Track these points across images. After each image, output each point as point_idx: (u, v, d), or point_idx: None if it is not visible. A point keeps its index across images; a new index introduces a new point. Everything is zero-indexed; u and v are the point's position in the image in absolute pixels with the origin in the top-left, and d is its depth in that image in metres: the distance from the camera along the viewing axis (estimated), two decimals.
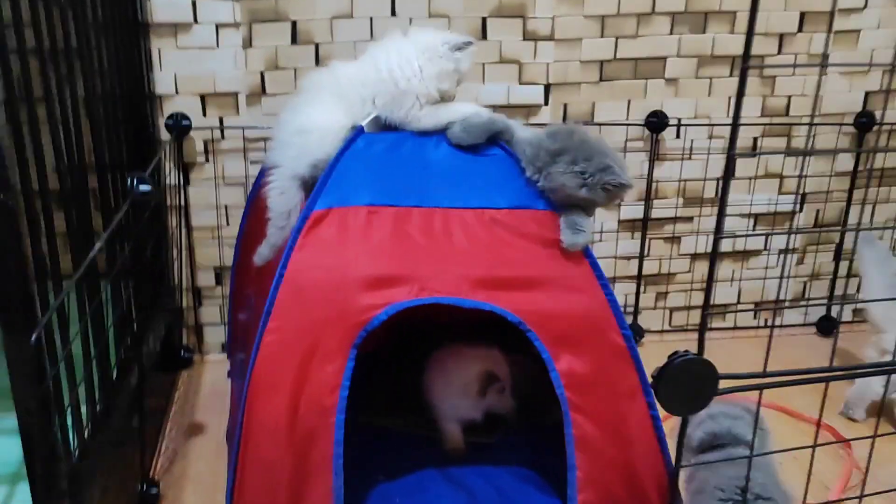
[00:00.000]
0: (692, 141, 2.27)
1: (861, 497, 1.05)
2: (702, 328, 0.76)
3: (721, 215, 0.73)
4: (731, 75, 2.23)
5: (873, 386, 1.90)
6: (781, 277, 2.42)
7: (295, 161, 1.49)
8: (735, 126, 0.73)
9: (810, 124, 2.27)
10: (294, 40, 2.05)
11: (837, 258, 2.45)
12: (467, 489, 1.67)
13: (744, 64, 0.68)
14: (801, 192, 2.37)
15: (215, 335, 2.27)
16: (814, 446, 0.93)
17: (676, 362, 0.74)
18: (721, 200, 0.70)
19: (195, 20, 2.00)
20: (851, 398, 1.96)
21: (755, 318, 2.49)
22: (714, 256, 0.75)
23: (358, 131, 1.48)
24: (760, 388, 0.79)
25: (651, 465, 1.51)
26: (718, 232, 0.69)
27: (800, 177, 2.35)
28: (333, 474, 1.37)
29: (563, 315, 1.45)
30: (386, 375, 1.89)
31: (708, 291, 0.76)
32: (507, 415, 1.85)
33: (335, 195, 1.42)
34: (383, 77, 1.52)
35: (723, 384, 0.77)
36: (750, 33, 0.74)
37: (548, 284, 1.45)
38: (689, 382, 0.75)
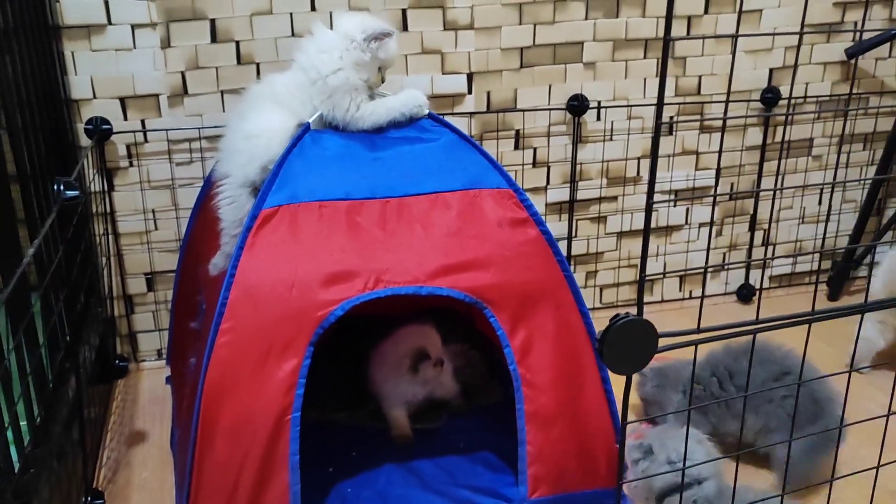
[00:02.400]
0: (612, 122, 2.35)
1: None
2: (640, 291, 0.80)
3: (651, 183, 0.77)
4: (645, 57, 2.31)
5: (873, 339, 2.09)
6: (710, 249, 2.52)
7: (244, 168, 1.49)
8: (660, 106, 0.77)
9: (726, 101, 2.38)
10: (213, 39, 2.03)
11: (752, 228, 2.57)
12: (418, 474, 1.70)
13: (663, 56, 0.73)
14: (718, 167, 2.48)
15: (149, 342, 2.22)
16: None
17: (618, 324, 0.78)
18: (651, 169, 0.74)
19: (109, 21, 1.95)
20: (858, 354, 2.11)
21: (681, 290, 2.59)
22: (647, 226, 0.79)
23: (304, 128, 1.49)
24: (696, 343, 0.84)
25: (603, 438, 1.57)
26: (650, 197, 0.74)
27: (718, 153, 2.45)
28: (290, 472, 1.38)
29: (518, 292, 1.48)
30: (332, 369, 1.90)
31: (644, 254, 0.81)
32: (450, 399, 1.89)
33: (284, 192, 1.42)
34: (312, 77, 1.53)
35: (661, 343, 0.81)
36: (669, 18, 0.78)
37: (503, 263, 1.48)
38: (631, 342, 0.79)
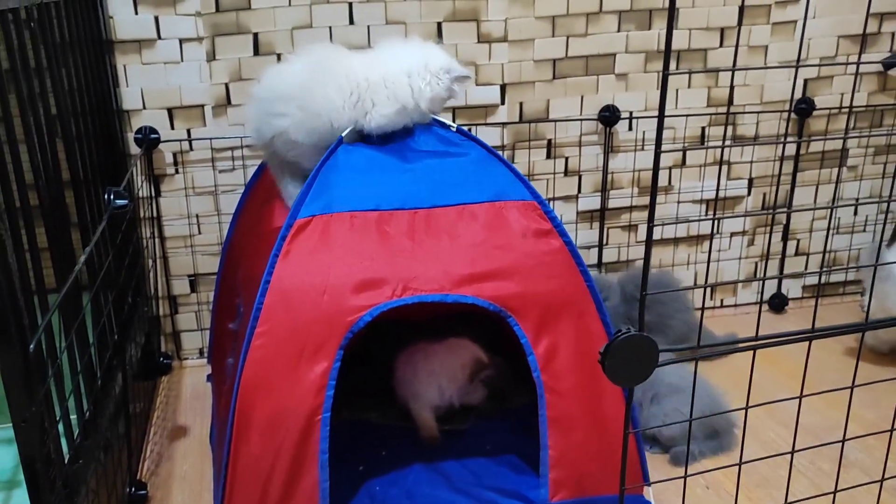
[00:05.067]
0: (644, 132, 2.38)
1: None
2: (641, 308, 0.85)
3: (652, 203, 0.82)
4: (677, 69, 2.34)
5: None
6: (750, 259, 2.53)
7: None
8: (661, 118, 0.82)
9: (757, 112, 2.39)
10: (256, 51, 2.11)
11: (785, 238, 2.57)
12: (444, 474, 1.76)
13: (664, 71, 0.77)
14: (749, 177, 2.49)
15: (192, 341, 2.33)
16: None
17: (619, 339, 0.83)
18: (652, 189, 0.79)
19: (159, 36, 2.05)
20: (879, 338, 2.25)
21: (712, 298, 2.61)
22: (649, 240, 0.84)
23: (338, 142, 1.56)
24: (696, 359, 0.88)
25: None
26: (651, 220, 0.79)
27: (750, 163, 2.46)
28: (319, 469, 1.45)
29: (542, 301, 1.53)
30: (362, 371, 1.97)
31: (645, 271, 0.86)
32: (478, 404, 1.94)
33: (318, 203, 1.49)
34: (377, 80, 1.57)
35: (663, 357, 0.86)
36: (668, 45, 0.83)
37: (527, 273, 1.53)
38: (632, 356, 0.84)
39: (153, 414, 2.09)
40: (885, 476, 1.13)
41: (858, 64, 2.43)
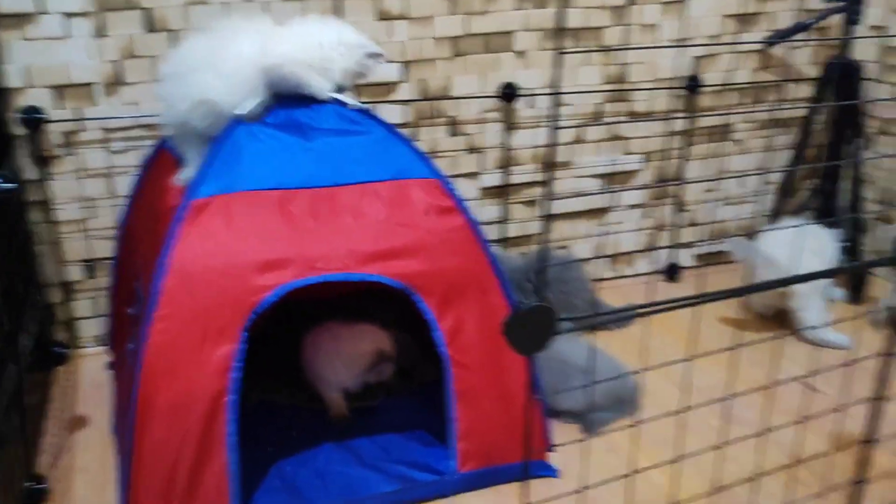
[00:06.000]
0: (543, 109, 2.43)
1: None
2: (541, 279, 0.88)
3: (550, 178, 0.85)
4: (574, 47, 2.40)
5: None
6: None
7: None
8: (556, 93, 0.85)
9: (649, 89, 2.48)
10: (149, 28, 2.04)
11: (678, 210, 2.69)
12: (355, 451, 1.78)
13: (557, 47, 0.80)
14: (644, 152, 2.58)
15: (89, 329, 2.25)
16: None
17: (522, 309, 0.86)
18: (550, 162, 0.82)
19: (42, 10, 1.95)
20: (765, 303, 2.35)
21: (613, 269, 2.70)
22: (548, 214, 0.87)
23: (236, 120, 1.53)
24: (593, 325, 0.93)
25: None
26: (550, 189, 0.81)
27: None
28: (228, 452, 1.44)
29: (446, 278, 1.57)
30: (270, 352, 1.95)
31: (545, 245, 0.89)
32: (386, 381, 1.96)
33: (217, 183, 1.47)
34: (291, 48, 1.57)
35: (563, 325, 0.90)
36: (562, 23, 0.85)
37: (431, 250, 1.56)
38: (534, 325, 0.87)
39: (49, 405, 2.01)
40: (768, 428, 1.22)
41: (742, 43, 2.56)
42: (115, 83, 2.06)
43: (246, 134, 1.52)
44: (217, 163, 1.47)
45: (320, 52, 1.58)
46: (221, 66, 1.56)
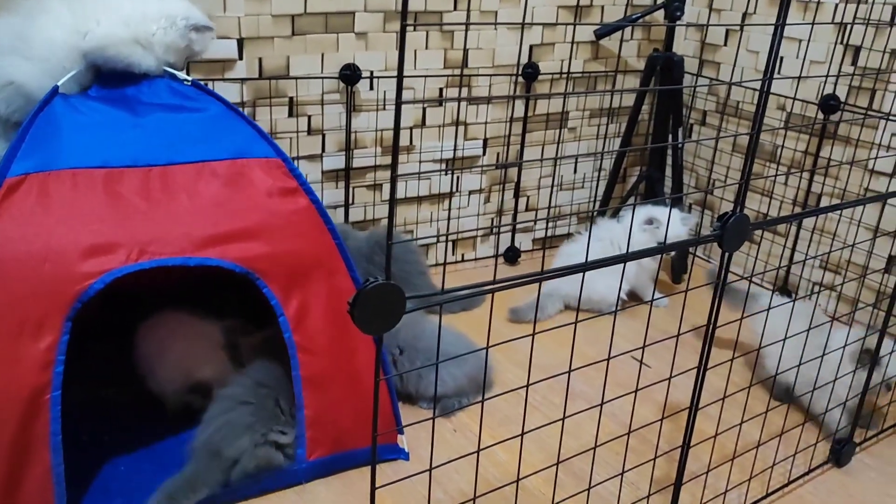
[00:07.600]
0: (385, 92, 2.41)
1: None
2: (388, 257, 0.87)
3: (395, 159, 0.83)
4: (415, 30, 2.39)
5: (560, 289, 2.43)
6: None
7: None
8: (399, 78, 0.83)
9: (489, 75, 2.52)
10: None
11: (517, 195, 2.77)
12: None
13: (402, 22, 0.78)
14: (484, 137, 2.63)
15: None
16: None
17: (368, 288, 0.84)
18: (394, 145, 0.80)
19: None
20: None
21: (454, 254, 2.74)
22: (393, 193, 0.85)
23: (53, 91, 1.40)
24: (441, 303, 0.92)
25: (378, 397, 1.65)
26: (394, 171, 0.80)
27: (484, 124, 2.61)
28: (52, 453, 1.33)
29: (290, 261, 1.51)
30: (99, 345, 1.82)
31: (391, 224, 0.87)
32: (223, 374, 1.88)
33: (32, 160, 1.33)
34: (111, 18, 1.45)
35: (410, 304, 0.89)
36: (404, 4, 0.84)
37: (274, 232, 1.49)
38: (381, 304, 0.86)
39: None
40: (604, 401, 1.27)
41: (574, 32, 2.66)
42: None
43: (65, 106, 1.39)
44: (31, 137, 1.34)
45: (144, 25, 1.47)
46: (29, 51, 1.42)
